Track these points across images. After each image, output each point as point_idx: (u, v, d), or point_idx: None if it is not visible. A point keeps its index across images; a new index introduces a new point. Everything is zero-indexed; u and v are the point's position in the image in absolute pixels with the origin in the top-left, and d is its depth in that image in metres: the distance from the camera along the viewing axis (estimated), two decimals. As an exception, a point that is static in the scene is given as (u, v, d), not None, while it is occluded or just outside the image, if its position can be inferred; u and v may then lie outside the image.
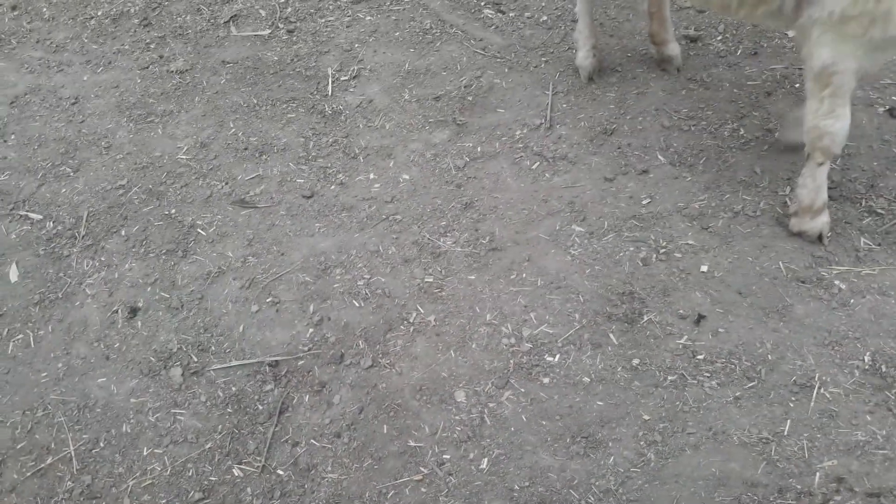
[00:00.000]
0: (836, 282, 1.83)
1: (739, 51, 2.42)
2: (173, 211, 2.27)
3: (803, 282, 1.83)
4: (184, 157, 2.43)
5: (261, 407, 1.79)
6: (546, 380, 1.74)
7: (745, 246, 1.92)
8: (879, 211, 1.95)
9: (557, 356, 1.78)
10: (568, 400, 1.70)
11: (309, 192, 2.25)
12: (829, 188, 1.98)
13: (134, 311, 2.05)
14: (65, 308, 2.07)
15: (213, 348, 1.93)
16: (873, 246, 1.88)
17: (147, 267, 2.14)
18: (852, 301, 1.78)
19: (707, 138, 2.19)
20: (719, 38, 2.49)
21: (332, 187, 2.26)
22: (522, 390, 1.73)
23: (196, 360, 1.92)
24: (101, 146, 2.53)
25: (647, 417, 1.65)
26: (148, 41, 2.92)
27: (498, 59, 2.56)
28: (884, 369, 1.65)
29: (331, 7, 2.91)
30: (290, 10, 2.93)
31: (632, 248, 1.96)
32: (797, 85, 2.29)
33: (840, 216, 1.95)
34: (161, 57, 2.83)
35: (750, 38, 2.46)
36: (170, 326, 2.00)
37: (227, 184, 2.32)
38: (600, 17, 2.61)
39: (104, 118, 2.63)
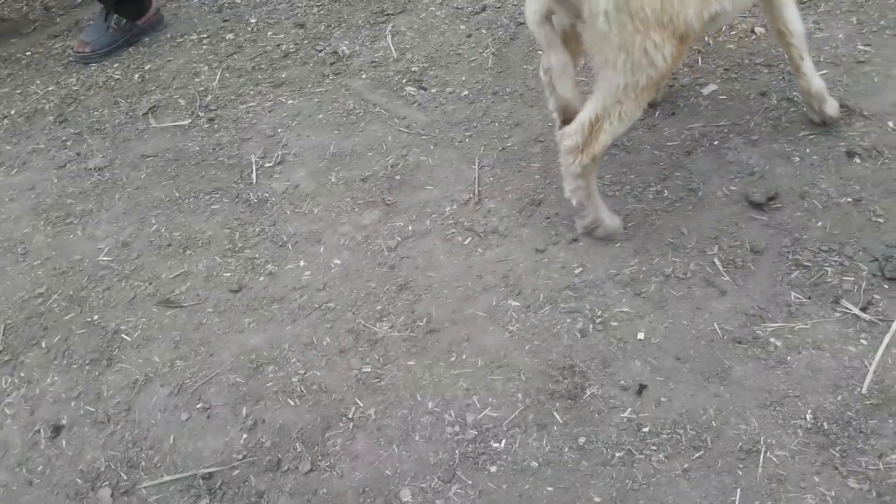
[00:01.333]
0: (772, 339, 1.84)
1: (658, 112, 2.47)
2: (96, 317, 2.17)
3: (739, 342, 1.83)
4: (105, 258, 2.34)
5: (195, 526, 1.69)
6: (493, 468, 1.68)
7: (679, 309, 1.92)
8: (806, 263, 1.98)
9: (503, 441, 1.73)
10: (517, 488, 1.65)
11: (237, 285, 2.19)
12: (754, 248, 2.01)
13: (57, 430, 1.93)
14: (-20, 433, 1.94)
15: (143, 463, 1.82)
16: (803, 299, 1.91)
17: (70, 380, 2.03)
18: (789, 358, 1.79)
19: (632, 202, 2.21)
20: (636, 100, 2.54)
21: (261, 279, 2.20)
22: (470, 482, 1.67)
23: (126, 477, 1.81)
24: (18, 253, 2.43)
25: (597, 499, 1.60)
26: (64, 138, 2.85)
27: (423, 137, 2.56)
28: (826, 426, 1.65)
29: (252, 92, 2.89)
30: (210, 97, 2.90)
31: (568, 320, 1.95)
32: (716, 142, 2.34)
33: (768, 272, 1.97)
34: (78, 154, 2.76)
35: (668, 98, 2.52)
36: (96, 443, 1.88)
37: (150, 284, 2.24)
38: (519, 87, 2.65)
39: (20, 222, 2.53)
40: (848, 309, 1.86)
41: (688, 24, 1.75)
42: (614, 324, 1.91)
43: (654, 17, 1.71)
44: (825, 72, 2.49)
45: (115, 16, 3.12)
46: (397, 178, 2.45)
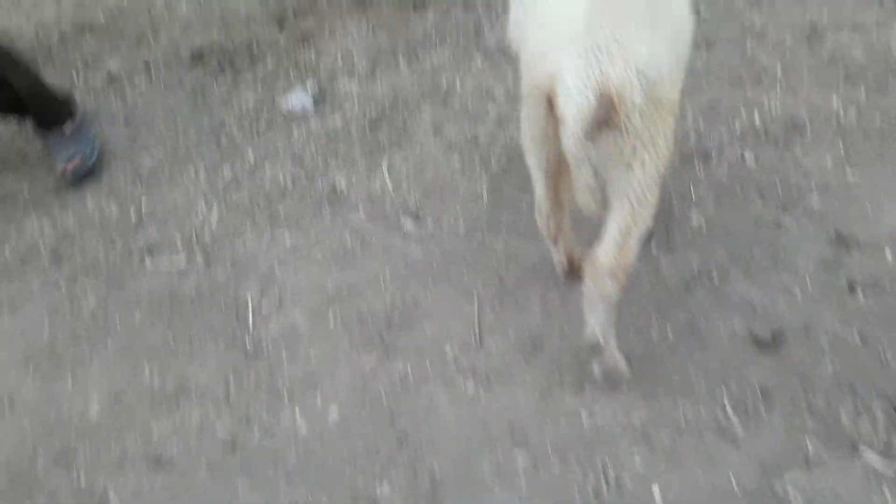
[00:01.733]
0: (790, 490, 1.77)
1: (653, 244, 2.46)
2: (83, 478, 2.08)
3: (757, 498, 1.75)
4: (95, 409, 2.27)
5: None
6: None
7: (692, 462, 1.85)
8: (819, 407, 1.92)
9: None
10: None
11: (230, 440, 2.11)
12: (764, 391, 1.96)
13: None
14: None
15: None
16: (820, 447, 1.84)
17: (52, 553, 1.92)
18: (810, 515, 1.71)
19: (636, 342, 2.17)
20: (633, 231, 2.54)
21: (256, 432, 2.12)
22: None
23: None
24: (4, 405, 2.35)
25: None
26: (58, 280, 2.81)
27: (420, 272, 2.54)
28: None
29: (248, 227, 2.89)
30: (207, 234, 2.89)
31: (580, 477, 1.87)
32: (714, 276, 2.33)
33: (781, 417, 1.91)
34: (71, 297, 2.72)
35: (661, 229, 2.52)
36: None
37: (141, 438, 2.16)
38: (513, 218, 2.65)
39: (8, 372, 2.46)
40: (868, 459, 1.79)
41: (679, 100, 1.80)
42: (627, 481, 1.84)
43: (668, 100, 1.71)
44: (816, 197, 2.52)
45: (60, 126, 3.22)
46: (396, 315, 2.41)
